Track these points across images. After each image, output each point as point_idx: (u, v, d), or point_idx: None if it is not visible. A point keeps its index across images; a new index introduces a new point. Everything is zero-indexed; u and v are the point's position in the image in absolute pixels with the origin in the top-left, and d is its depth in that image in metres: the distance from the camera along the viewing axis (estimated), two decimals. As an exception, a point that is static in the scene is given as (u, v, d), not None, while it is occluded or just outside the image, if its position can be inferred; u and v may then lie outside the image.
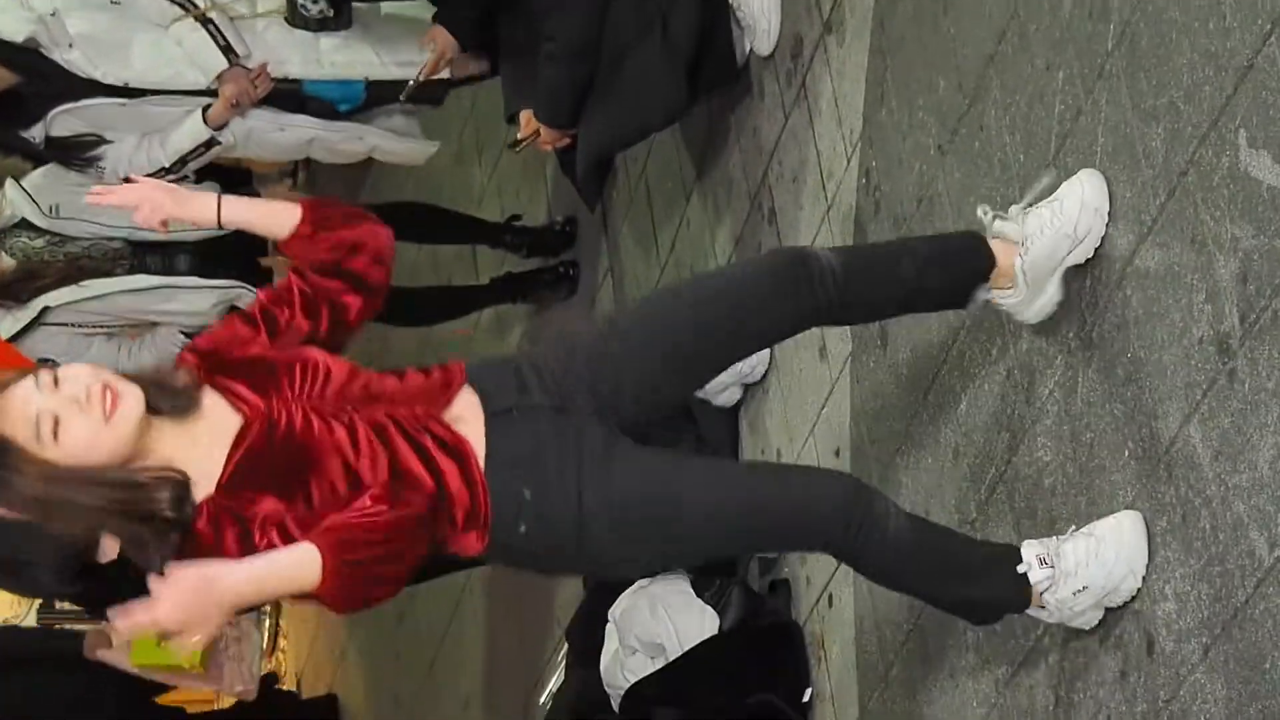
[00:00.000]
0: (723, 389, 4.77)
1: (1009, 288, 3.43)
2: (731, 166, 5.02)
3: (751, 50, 4.81)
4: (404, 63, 5.47)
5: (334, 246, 3.29)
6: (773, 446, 4.65)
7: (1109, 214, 3.38)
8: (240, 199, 3.38)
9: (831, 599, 4.35)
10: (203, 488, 3.10)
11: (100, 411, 3.05)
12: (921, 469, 3.99)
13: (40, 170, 5.50)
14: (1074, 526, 3.35)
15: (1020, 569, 3.31)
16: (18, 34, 5.24)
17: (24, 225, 5.44)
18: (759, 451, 4.70)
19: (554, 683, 5.30)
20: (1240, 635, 2.98)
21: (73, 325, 5.43)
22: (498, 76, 5.32)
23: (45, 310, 5.36)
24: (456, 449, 3.18)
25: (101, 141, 5.35)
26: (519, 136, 5.12)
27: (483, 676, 6.57)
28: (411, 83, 5.36)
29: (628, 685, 4.55)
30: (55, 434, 3.04)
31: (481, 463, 3.19)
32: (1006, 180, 3.69)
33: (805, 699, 4.38)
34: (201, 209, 3.33)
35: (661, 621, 4.51)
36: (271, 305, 3.28)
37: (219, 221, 3.32)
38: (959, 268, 3.44)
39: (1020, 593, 3.32)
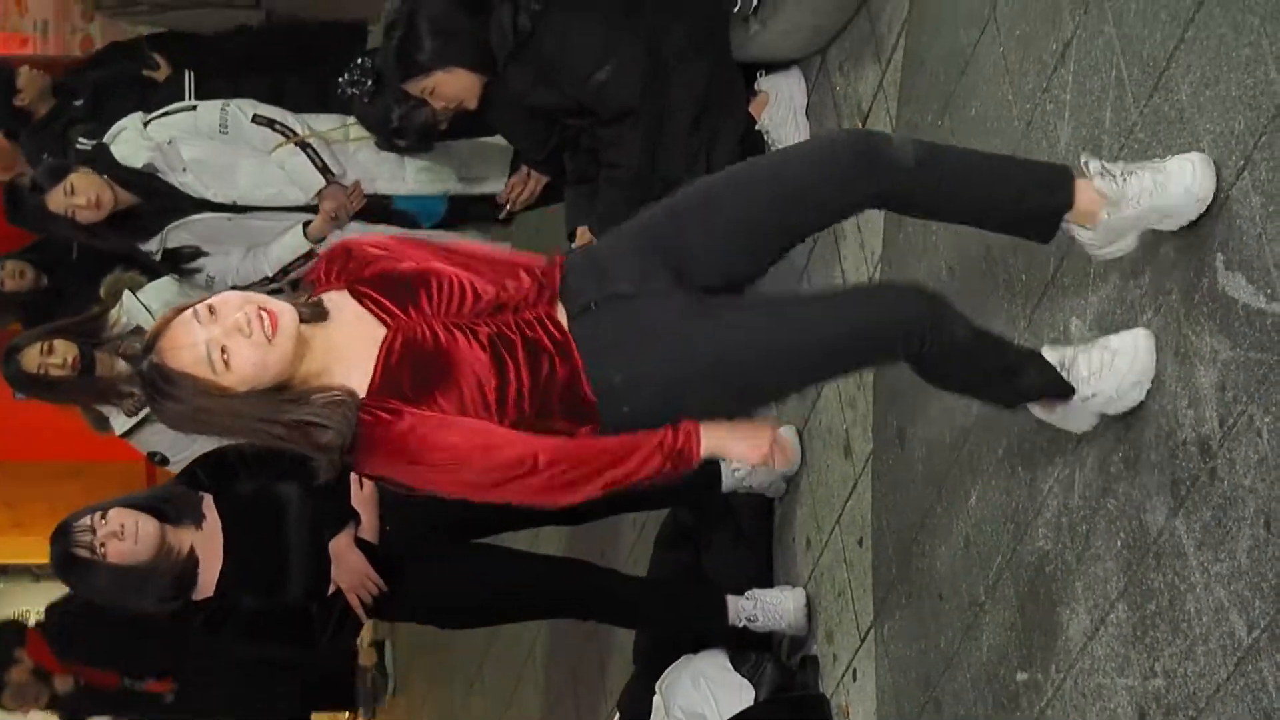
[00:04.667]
0: (769, 482, 4.79)
1: (1088, 227, 3.19)
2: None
3: (784, 178, 4.84)
4: (481, 179, 5.56)
5: None
6: (802, 535, 4.65)
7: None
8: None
9: (855, 673, 4.34)
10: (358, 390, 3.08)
11: (262, 333, 2.98)
12: (936, 557, 3.99)
13: (154, 283, 5.60)
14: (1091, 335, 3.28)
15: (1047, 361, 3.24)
16: (137, 160, 5.40)
17: (138, 332, 5.49)
18: (790, 540, 4.71)
19: (606, 747, 5.29)
20: (1223, 709, 2.97)
21: None
22: (560, 203, 5.39)
23: None
24: (565, 349, 3.14)
25: (200, 254, 5.44)
26: (574, 246, 5.18)
27: (543, 741, 6.57)
28: (508, 207, 5.49)
29: (672, 750, 4.56)
30: (227, 363, 2.98)
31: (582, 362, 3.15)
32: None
33: (832, 764, 4.38)
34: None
35: (703, 693, 4.50)
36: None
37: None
38: (1034, 205, 3.19)
39: (1052, 384, 3.24)
